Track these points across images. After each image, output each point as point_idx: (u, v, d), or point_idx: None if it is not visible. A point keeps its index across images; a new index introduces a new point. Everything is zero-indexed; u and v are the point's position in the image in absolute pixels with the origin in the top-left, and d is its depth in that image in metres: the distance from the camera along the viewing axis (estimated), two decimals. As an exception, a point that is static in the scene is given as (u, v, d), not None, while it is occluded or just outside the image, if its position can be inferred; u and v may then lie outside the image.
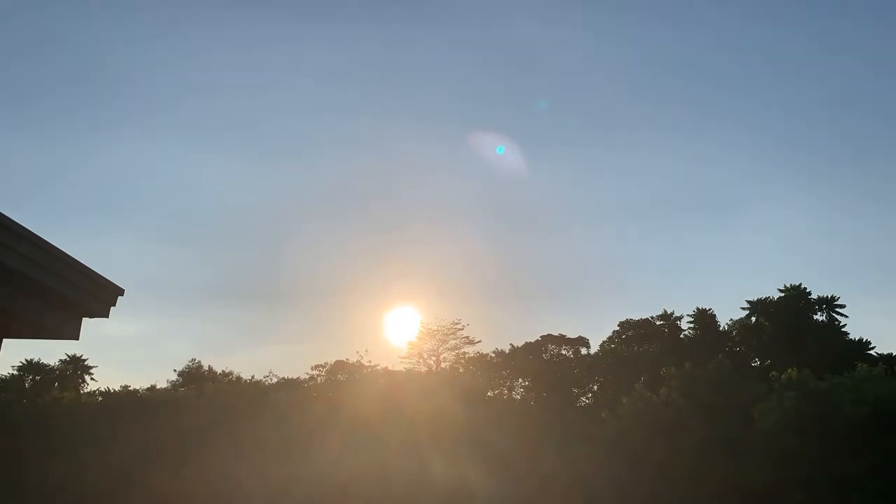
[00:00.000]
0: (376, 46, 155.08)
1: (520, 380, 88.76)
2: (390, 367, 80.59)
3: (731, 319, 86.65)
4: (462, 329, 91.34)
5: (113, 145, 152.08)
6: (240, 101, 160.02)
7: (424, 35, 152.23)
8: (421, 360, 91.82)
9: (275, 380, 79.92)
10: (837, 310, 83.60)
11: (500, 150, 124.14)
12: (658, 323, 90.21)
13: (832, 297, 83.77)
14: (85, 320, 6.10)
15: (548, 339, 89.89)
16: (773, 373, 58.17)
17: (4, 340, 5.83)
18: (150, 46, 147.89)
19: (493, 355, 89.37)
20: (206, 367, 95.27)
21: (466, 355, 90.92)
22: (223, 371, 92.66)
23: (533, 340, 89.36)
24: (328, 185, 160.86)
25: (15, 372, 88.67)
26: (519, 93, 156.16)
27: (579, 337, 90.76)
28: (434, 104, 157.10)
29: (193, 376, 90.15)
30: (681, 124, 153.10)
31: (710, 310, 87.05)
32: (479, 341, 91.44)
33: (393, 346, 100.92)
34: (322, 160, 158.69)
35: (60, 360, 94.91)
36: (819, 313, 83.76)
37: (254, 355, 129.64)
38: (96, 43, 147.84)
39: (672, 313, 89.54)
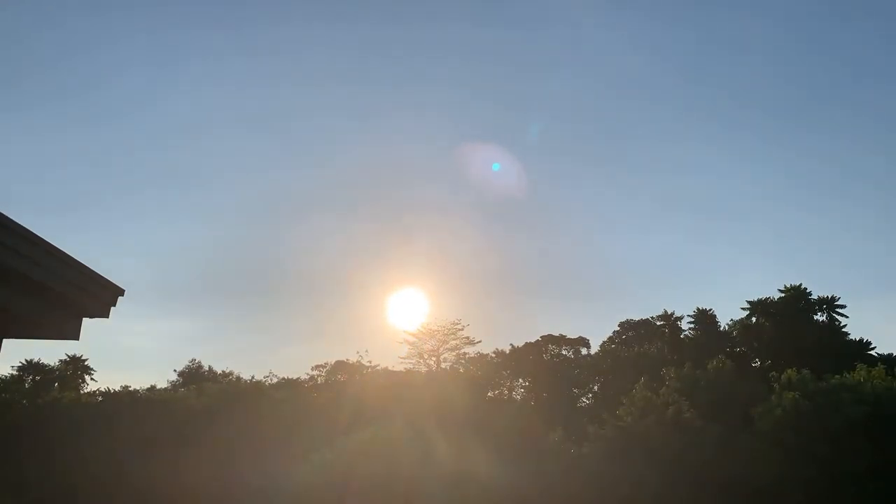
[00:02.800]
0: (387, 45, 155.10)
1: (520, 380, 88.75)
2: (390, 368, 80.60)
3: (732, 320, 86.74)
4: (462, 329, 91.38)
5: (117, 144, 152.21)
6: (242, 102, 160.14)
7: (437, 34, 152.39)
8: (421, 361, 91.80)
9: (275, 380, 79.98)
10: (838, 310, 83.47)
11: (495, 167, 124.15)
12: (658, 323, 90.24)
13: (832, 297, 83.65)
14: (85, 320, 6.09)
15: (548, 339, 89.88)
16: (773, 373, 58.08)
17: (4, 340, 5.82)
18: (153, 48, 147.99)
19: (494, 355, 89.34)
20: (206, 368, 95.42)
21: (467, 355, 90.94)
22: (223, 371, 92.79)
23: (533, 340, 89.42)
24: (328, 187, 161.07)
25: (15, 372, 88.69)
26: (521, 97, 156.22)
27: (580, 337, 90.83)
28: (436, 109, 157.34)
29: (193, 376, 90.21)
30: (682, 126, 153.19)
31: (710, 310, 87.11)
32: (480, 341, 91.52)
33: (393, 345, 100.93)
34: (323, 162, 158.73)
35: (60, 361, 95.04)
36: (819, 313, 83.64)
37: (254, 356, 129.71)
38: (105, 42, 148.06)
39: (672, 313, 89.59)
